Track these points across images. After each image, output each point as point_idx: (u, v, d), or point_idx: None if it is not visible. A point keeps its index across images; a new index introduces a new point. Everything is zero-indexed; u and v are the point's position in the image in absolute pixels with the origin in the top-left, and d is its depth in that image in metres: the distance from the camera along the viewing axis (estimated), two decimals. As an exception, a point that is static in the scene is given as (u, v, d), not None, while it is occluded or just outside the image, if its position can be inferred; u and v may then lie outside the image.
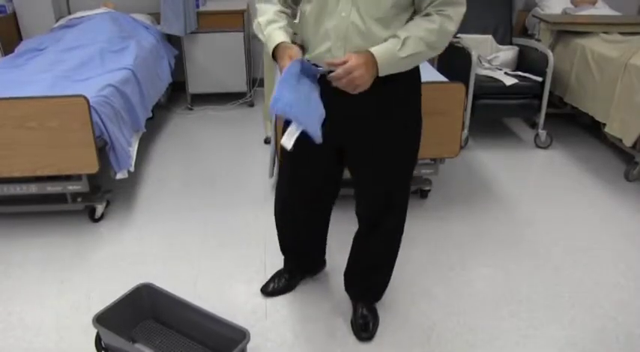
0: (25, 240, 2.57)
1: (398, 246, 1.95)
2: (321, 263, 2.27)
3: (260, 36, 1.64)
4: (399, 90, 1.61)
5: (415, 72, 1.63)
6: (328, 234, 2.15)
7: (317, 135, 1.47)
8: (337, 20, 1.50)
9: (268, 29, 1.59)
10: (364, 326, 1.98)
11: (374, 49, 1.47)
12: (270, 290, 2.16)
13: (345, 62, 1.44)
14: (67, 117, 2.40)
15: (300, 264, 2.21)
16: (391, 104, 1.62)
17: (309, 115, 1.47)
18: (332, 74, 1.46)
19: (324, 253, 2.24)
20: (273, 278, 2.20)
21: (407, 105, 1.67)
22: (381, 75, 1.49)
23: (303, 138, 1.47)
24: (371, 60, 1.46)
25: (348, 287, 2.10)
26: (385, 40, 1.49)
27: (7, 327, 2.02)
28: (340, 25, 1.50)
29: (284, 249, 2.17)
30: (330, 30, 1.52)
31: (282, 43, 1.55)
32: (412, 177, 1.85)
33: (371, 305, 2.05)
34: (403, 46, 1.46)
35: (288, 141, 1.49)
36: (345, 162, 1.82)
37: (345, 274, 2.08)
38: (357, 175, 1.82)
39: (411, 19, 1.54)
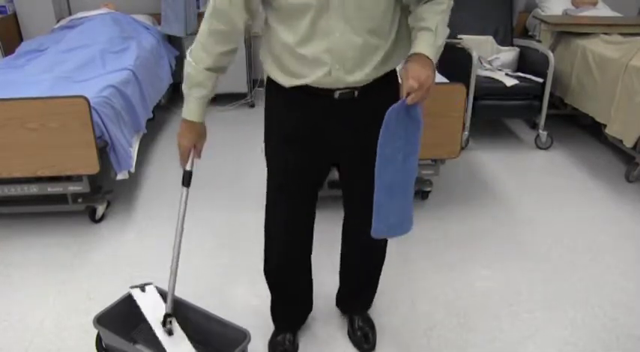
0: (26, 240, 2.57)
1: (385, 253, 1.92)
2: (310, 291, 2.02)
3: (183, 84, 1.67)
4: (391, 94, 1.53)
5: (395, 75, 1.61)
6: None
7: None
8: (331, 41, 1.42)
9: (188, 92, 1.69)
10: (364, 338, 1.96)
11: (425, 51, 1.39)
12: None
13: (410, 81, 1.34)
14: (67, 118, 2.40)
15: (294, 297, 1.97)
16: (383, 109, 1.53)
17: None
18: (410, 97, 1.35)
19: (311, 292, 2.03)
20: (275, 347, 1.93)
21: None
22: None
23: (299, 158, 1.60)
24: (426, 61, 1.38)
25: (340, 303, 2.07)
26: (377, 47, 1.46)
27: (7, 327, 2.02)
28: (336, 46, 1.43)
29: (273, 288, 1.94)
30: (323, 52, 1.43)
31: (185, 121, 1.76)
32: None
33: (365, 314, 2.03)
34: (436, 35, 1.42)
35: None
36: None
37: (339, 292, 2.05)
38: (349, 186, 1.77)
39: (394, 17, 1.48)
